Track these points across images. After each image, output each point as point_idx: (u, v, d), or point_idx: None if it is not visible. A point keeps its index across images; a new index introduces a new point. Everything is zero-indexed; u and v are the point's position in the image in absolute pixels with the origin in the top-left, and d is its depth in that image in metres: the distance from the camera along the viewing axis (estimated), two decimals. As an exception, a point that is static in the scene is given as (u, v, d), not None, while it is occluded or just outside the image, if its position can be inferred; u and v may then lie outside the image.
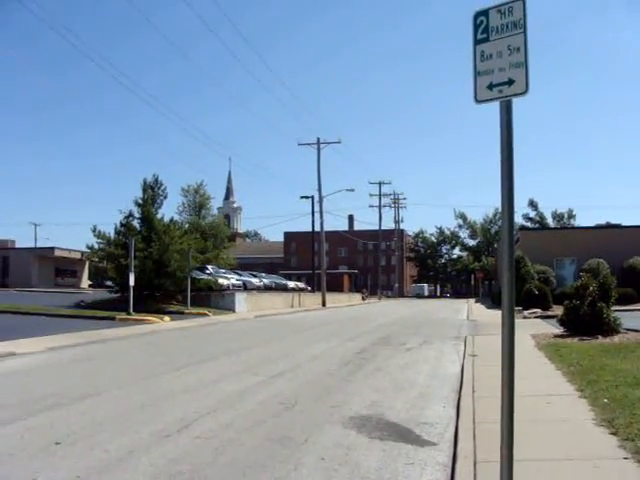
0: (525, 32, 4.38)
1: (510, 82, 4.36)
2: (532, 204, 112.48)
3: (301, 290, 66.07)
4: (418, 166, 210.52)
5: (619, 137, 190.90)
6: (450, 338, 23.19)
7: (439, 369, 15.33)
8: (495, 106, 4.48)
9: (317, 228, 66.16)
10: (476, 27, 4.64)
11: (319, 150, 64.68)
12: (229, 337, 25.74)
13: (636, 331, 20.98)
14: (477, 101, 4.56)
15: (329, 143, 66.23)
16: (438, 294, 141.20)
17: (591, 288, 20.44)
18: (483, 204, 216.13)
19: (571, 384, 11.71)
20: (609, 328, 20.01)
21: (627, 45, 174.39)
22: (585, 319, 20.15)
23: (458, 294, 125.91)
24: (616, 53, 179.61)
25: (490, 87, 4.47)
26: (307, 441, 8.39)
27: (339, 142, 67.01)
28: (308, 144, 65.85)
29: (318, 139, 65.26)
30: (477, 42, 4.64)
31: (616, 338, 19.36)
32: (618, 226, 62.61)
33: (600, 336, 19.48)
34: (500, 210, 4.43)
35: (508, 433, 4.48)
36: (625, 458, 6.93)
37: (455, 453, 7.59)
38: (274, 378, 13.87)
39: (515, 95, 4.37)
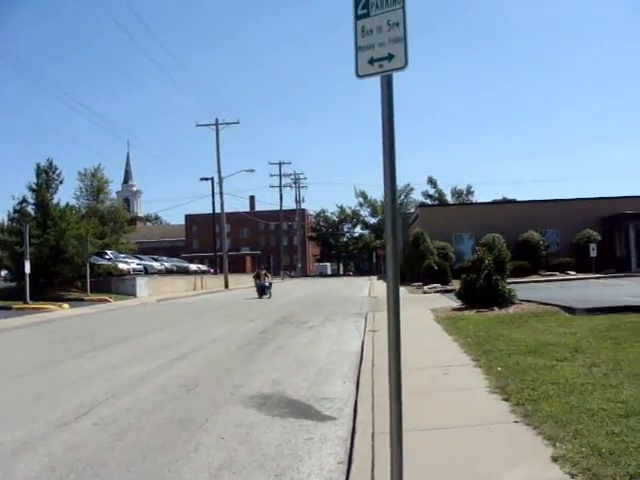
0: (404, 7, 4.43)
1: (390, 57, 4.40)
2: (431, 181, 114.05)
3: (203, 273, 65.50)
4: (318, 146, 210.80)
5: (519, 114, 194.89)
6: (351, 315, 23.43)
7: (340, 346, 15.49)
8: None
9: (218, 210, 65.70)
10: (357, 2, 4.67)
11: (218, 131, 64.06)
12: (130, 322, 25.42)
13: (530, 302, 21.69)
14: (358, 76, 4.59)
15: (228, 124, 65.68)
16: (341, 272, 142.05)
17: (486, 262, 20.98)
18: (382, 181, 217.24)
19: (467, 354, 12.03)
20: (504, 300, 20.60)
21: (524, 21, 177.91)
22: (481, 292, 20.69)
23: (361, 272, 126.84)
24: (517, 29, 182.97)
25: (371, 62, 4.50)
26: (207, 422, 8.38)
27: (238, 122, 66.53)
28: (207, 125, 65.14)
29: (217, 120, 64.64)
30: (358, 17, 4.67)
31: (511, 309, 19.98)
32: (514, 201, 64.28)
33: (496, 308, 20.05)
34: (384, 186, 4.50)
35: (396, 403, 4.57)
36: (515, 422, 7.19)
37: (354, 426, 7.71)
38: (175, 361, 13.78)
39: (395, 70, 4.42)
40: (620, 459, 5.62)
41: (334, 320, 21.79)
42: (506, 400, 8.16)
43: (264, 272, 40.89)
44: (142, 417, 8.80)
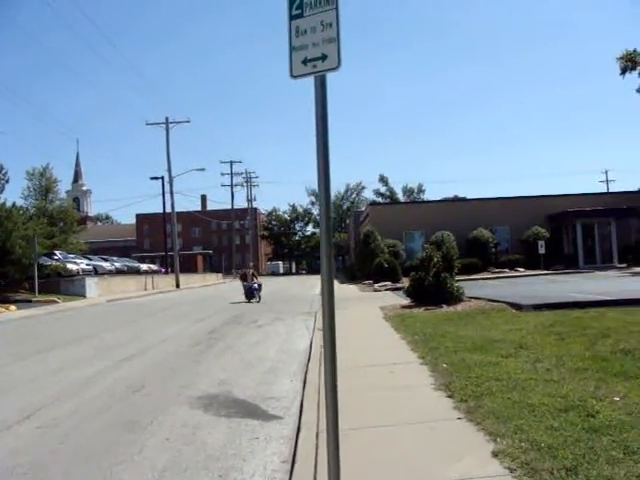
0: (337, 8, 4.43)
1: (323, 57, 4.40)
2: (382, 179, 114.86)
3: (154, 272, 65.05)
4: (269, 145, 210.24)
5: (466, 112, 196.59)
6: (301, 314, 23.47)
7: (289, 345, 15.52)
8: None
9: (169, 209, 65.27)
10: (291, 3, 4.67)
11: (168, 130, 63.60)
12: (79, 323, 25.16)
13: (478, 299, 21.90)
14: (293, 76, 4.58)
15: (178, 122, 65.20)
16: (294, 271, 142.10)
17: (435, 259, 21.13)
18: (334, 180, 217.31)
19: (414, 352, 12.12)
20: (453, 297, 20.79)
21: (463, 19, 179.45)
22: (430, 290, 20.86)
23: (314, 270, 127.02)
24: (457, 24, 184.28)
25: (305, 62, 4.50)
26: (153, 423, 8.33)
27: (188, 121, 66.04)
28: (157, 124, 64.62)
29: (167, 118, 64.13)
30: (292, 18, 4.66)
31: (459, 306, 20.16)
32: (464, 199, 64.90)
33: (445, 305, 20.22)
34: (317, 184, 4.50)
35: (332, 402, 4.58)
36: (459, 418, 7.27)
37: (299, 425, 7.73)
38: (122, 362, 13.67)
39: (328, 70, 4.42)
40: (558, 453, 5.72)
41: (283, 319, 21.78)
42: (450, 397, 8.25)
43: (252, 272, 34.84)
44: (87, 420, 8.72)
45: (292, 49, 4.61)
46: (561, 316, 15.89)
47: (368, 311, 21.38)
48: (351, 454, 6.07)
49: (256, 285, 33.12)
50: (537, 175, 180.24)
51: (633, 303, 18.59)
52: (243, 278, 34.82)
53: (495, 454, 5.90)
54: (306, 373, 11.20)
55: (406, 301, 22.86)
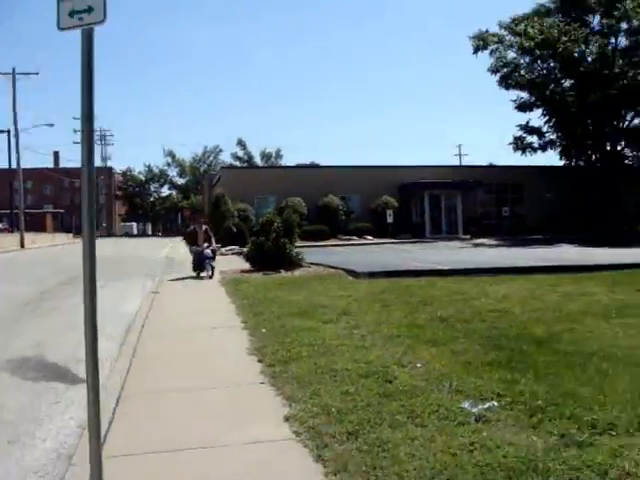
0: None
1: (90, 9, 4.19)
2: (240, 143, 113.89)
3: (-1, 231, 62.60)
4: (130, 105, 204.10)
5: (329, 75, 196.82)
6: (141, 275, 22.99)
7: (119, 306, 15.13)
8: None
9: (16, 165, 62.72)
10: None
11: (14, 81, 60.77)
12: None
13: (319, 265, 22.18)
14: (60, 28, 4.32)
15: (27, 74, 62.55)
16: (150, 232, 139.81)
17: (275, 224, 21.20)
18: (192, 142, 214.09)
19: (239, 316, 12.16)
20: (292, 262, 20.98)
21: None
22: (270, 254, 20.93)
23: (170, 232, 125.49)
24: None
25: (72, 14, 4.26)
26: (-51, 389, 8.01)
27: (37, 74, 63.43)
28: (2, 74, 61.80)
29: (14, 69, 61.35)
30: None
31: (297, 272, 20.36)
32: (317, 166, 65.37)
33: (283, 270, 20.37)
34: (80, 142, 4.35)
35: (93, 366, 4.50)
36: (262, 383, 7.33)
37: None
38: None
39: (94, 23, 4.18)
40: (345, 417, 5.85)
41: (122, 280, 21.23)
42: (260, 362, 8.31)
43: (204, 229, 22.66)
44: None
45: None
46: (393, 284, 16.28)
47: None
48: (141, 419, 6.05)
49: (209, 251, 21.47)
50: (398, 145, 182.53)
51: (465, 273, 19.32)
52: (190, 239, 23.14)
53: (287, 418, 5.99)
54: (125, 336, 11.01)
55: (247, 265, 22.85)
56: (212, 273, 20.65)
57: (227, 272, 21.53)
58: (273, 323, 10.91)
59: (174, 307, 14.44)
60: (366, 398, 6.39)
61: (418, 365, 7.73)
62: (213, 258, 21.43)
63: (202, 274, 20.65)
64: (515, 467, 4.70)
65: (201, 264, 20.86)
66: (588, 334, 9.67)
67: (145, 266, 28.33)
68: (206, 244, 21.62)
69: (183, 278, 20.51)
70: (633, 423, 5.59)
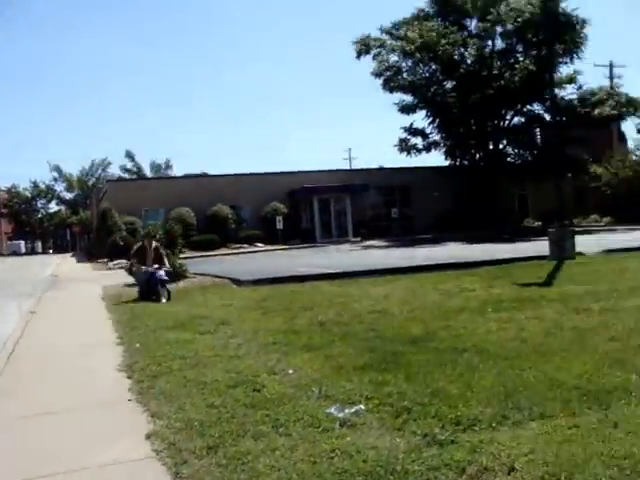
0: None
1: None
2: (129, 155, 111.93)
3: None
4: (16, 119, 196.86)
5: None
6: (21, 295, 22.15)
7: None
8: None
9: None
10: None
11: None
12: None
13: (204, 275, 21.97)
14: None
15: None
16: (40, 250, 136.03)
17: (157, 236, 20.85)
18: (80, 155, 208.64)
19: (116, 332, 11.85)
20: (177, 274, 20.61)
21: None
22: (152, 267, 20.50)
23: (60, 249, 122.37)
24: None
25: None
26: None
27: None
28: None
29: None
30: None
31: (182, 283, 20.08)
32: (206, 175, 64.85)
33: (168, 282, 19.99)
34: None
35: None
36: (129, 400, 7.13)
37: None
38: None
39: None
40: (207, 431, 5.72)
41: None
42: (129, 378, 8.09)
43: (154, 246, 18.80)
44: None
45: None
46: (276, 290, 16.27)
47: (90, 291, 20.72)
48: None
49: (162, 272, 17.56)
50: (289, 151, 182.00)
51: (351, 275, 19.44)
52: (138, 258, 18.58)
53: (148, 436, 5.81)
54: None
55: (131, 279, 22.38)
56: (169, 297, 16.75)
57: (110, 287, 21.04)
58: (148, 337, 10.66)
59: (48, 325, 14.01)
60: (232, 409, 6.26)
61: (290, 372, 7.65)
62: (167, 280, 17.67)
63: (159, 300, 16.32)
64: (373, 471, 4.67)
65: (154, 289, 16.85)
66: (462, 330, 9.81)
67: (27, 285, 27.23)
68: (156, 265, 17.73)
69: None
70: (496, 417, 5.65)
